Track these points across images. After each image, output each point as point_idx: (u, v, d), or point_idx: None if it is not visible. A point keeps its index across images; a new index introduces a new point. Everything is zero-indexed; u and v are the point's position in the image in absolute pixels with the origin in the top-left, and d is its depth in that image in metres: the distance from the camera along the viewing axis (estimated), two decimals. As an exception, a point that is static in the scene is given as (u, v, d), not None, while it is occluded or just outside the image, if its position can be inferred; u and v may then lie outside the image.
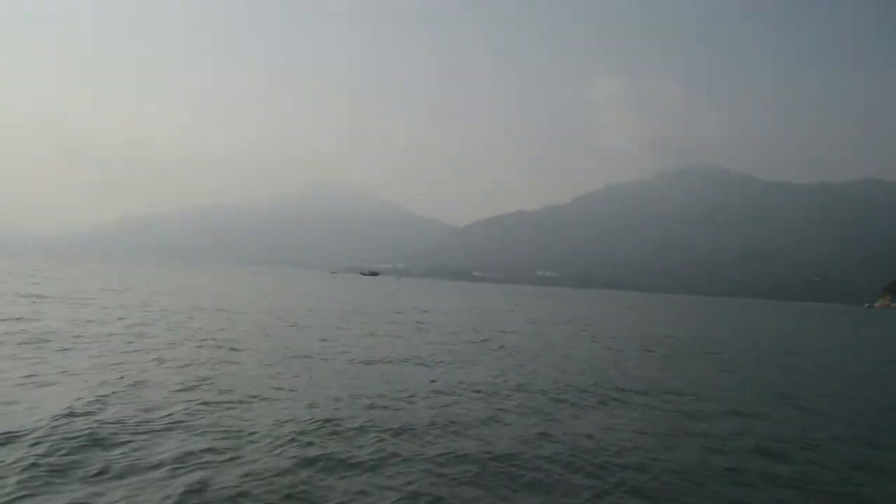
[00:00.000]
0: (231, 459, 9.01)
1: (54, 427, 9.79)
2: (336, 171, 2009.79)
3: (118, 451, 9.07)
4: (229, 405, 11.96)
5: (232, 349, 19.01)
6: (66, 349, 17.01)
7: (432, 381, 15.92)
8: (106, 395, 11.95)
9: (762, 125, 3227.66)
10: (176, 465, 8.62)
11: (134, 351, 17.55)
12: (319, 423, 11.09)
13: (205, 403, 11.94)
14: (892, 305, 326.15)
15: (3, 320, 22.40)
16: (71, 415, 10.48)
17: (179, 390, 12.91)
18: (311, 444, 9.97)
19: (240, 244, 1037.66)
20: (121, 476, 8.20)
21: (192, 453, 9.11)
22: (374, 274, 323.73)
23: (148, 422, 10.49)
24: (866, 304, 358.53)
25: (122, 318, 25.75)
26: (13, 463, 8.33)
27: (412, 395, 14.03)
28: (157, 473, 8.32)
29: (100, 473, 8.24)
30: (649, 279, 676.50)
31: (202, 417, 10.98)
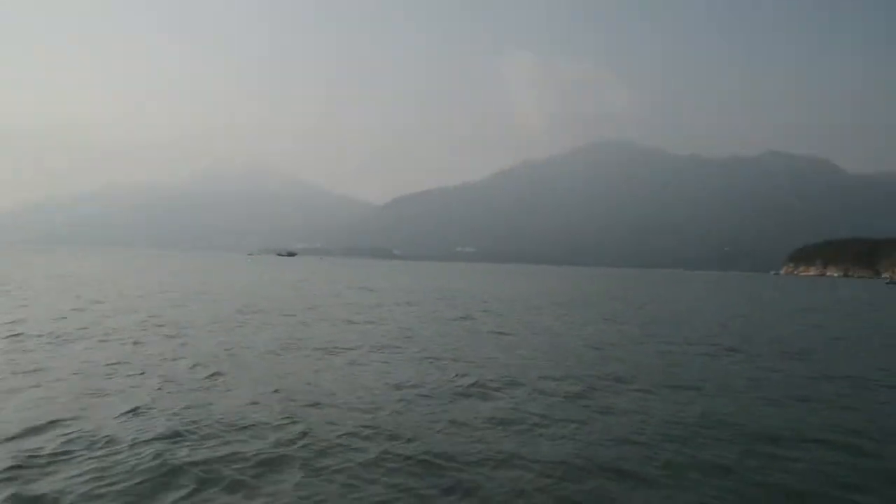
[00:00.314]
0: None
1: None
2: (250, 151, 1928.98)
3: None
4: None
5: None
6: None
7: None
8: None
9: (673, 101, 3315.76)
10: None
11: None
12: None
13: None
14: (796, 272, 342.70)
15: None
16: None
17: None
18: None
19: (151, 227, 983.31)
20: None
21: None
22: (291, 254, 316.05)
23: None
24: (773, 272, 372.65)
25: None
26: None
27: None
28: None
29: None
30: (566, 253, 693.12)
31: None
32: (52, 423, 9.09)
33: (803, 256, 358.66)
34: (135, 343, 16.46)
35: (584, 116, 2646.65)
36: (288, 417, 9.73)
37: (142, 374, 12.70)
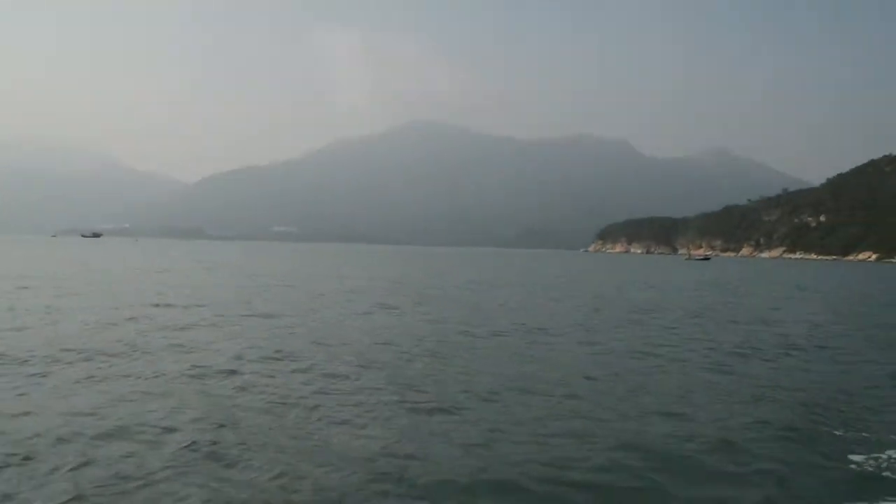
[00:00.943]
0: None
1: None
2: (46, 125, 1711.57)
3: None
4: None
5: None
6: None
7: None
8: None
9: (493, 82, 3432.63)
10: None
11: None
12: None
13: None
14: (604, 249, 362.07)
15: None
16: None
17: None
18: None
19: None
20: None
21: None
22: (96, 235, 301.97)
23: None
24: (582, 249, 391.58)
25: None
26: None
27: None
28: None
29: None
30: (386, 232, 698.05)
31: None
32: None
33: (610, 234, 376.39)
34: None
35: (405, 95, 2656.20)
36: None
37: None
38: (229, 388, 10.64)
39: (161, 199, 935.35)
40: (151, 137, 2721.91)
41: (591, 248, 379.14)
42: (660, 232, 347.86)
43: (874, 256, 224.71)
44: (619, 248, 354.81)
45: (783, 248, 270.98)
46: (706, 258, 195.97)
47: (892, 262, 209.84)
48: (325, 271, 55.82)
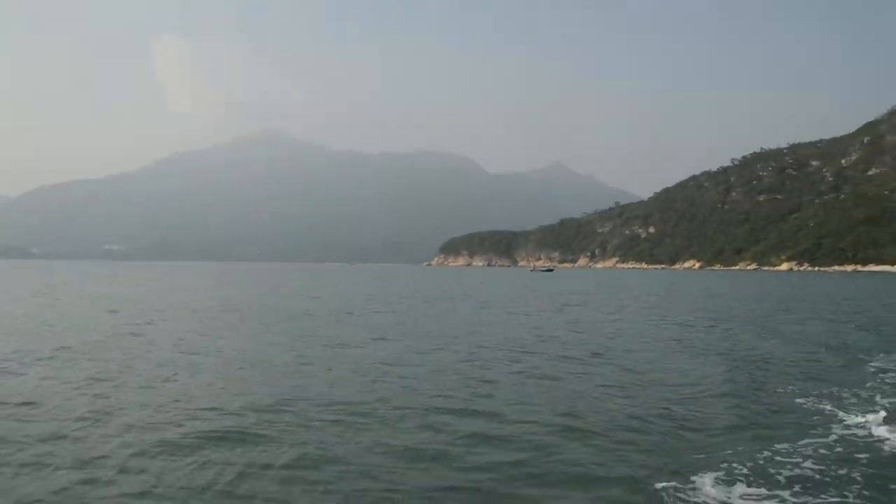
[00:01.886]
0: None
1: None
2: None
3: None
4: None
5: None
6: None
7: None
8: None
9: (336, 95, 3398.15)
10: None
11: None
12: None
13: None
14: (446, 262, 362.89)
15: None
16: None
17: None
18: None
19: None
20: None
21: None
22: None
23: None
24: (426, 263, 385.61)
25: None
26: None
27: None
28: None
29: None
30: (228, 248, 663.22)
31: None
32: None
33: (452, 248, 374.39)
34: None
35: (245, 106, 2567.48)
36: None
37: None
38: None
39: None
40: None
41: (434, 262, 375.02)
42: (500, 245, 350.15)
43: (698, 265, 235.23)
44: (461, 261, 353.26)
45: (616, 259, 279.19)
46: (549, 270, 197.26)
47: (713, 269, 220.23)
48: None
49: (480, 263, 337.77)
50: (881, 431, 9.09)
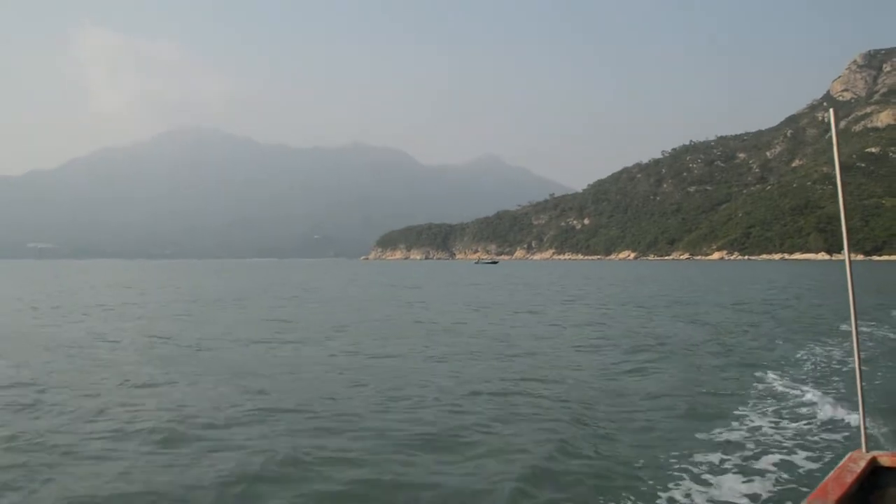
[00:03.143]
0: None
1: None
2: None
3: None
4: None
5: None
6: None
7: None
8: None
9: (267, 91, 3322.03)
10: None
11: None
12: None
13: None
14: (383, 256, 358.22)
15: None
16: None
17: None
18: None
19: None
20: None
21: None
22: None
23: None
24: (362, 257, 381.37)
25: None
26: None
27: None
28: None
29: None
30: (156, 245, 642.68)
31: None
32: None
33: (389, 242, 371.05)
34: None
35: (170, 102, 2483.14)
36: None
37: None
38: None
39: None
40: None
41: (370, 256, 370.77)
42: (437, 238, 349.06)
43: (633, 255, 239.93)
44: (398, 255, 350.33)
45: (553, 250, 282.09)
46: (494, 262, 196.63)
47: (647, 259, 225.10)
48: None
49: (418, 257, 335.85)
50: (809, 398, 9.84)
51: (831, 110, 4.40)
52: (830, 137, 3.84)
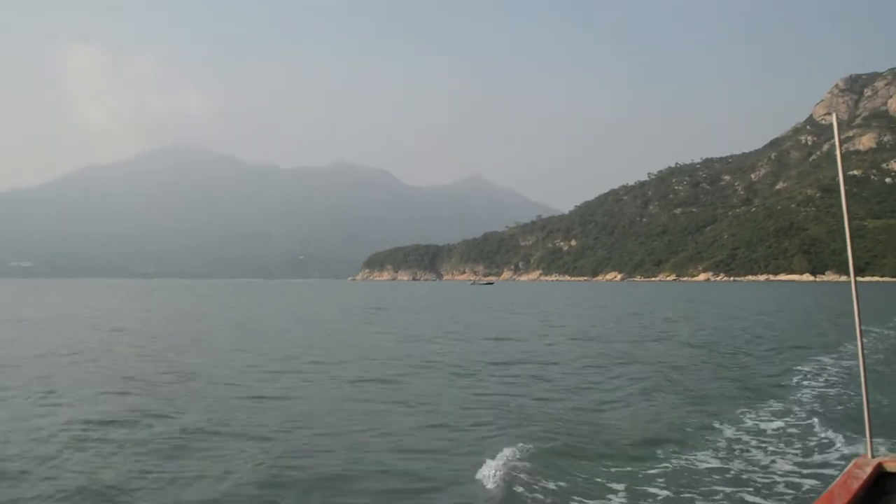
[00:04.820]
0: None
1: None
2: None
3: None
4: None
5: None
6: None
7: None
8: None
9: (253, 109, 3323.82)
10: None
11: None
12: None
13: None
14: (371, 277, 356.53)
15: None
16: None
17: None
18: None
19: None
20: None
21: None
22: None
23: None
24: (350, 278, 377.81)
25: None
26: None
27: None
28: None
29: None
30: (142, 264, 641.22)
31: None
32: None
33: (376, 262, 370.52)
34: None
35: (155, 119, 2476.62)
36: None
37: None
38: None
39: None
40: None
41: (358, 277, 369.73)
42: (424, 259, 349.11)
43: (619, 276, 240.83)
44: (385, 276, 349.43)
45: (540, 272, 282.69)
46: (490, 283, 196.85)
47: (634, 280, 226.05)
48: None
49: (405, 277, 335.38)
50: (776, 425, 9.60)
51: (833, 114, 4.46)
52: (815, 160, 3.83)
